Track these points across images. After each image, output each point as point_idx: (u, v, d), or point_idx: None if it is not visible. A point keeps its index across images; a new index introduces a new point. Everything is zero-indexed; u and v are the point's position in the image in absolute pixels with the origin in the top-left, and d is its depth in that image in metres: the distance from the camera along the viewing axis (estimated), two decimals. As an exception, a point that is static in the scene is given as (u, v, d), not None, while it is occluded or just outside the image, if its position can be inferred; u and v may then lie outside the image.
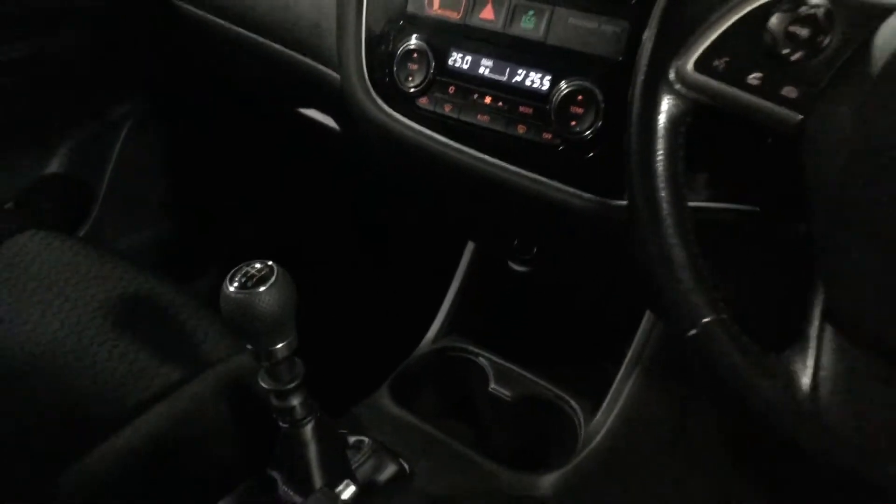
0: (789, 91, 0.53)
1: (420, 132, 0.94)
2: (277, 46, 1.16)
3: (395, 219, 1.31)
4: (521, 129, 0.86)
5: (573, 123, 0.80)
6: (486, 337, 1.15)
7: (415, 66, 0.93)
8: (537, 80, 0.85)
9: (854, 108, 0.50)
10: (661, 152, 0.57)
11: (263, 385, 0.76)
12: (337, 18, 1.01)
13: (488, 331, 1.15)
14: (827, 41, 0.53)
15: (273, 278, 0.68)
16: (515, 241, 1.12)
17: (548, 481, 0.96)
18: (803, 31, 0.53)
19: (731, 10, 0.55)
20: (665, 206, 0.57)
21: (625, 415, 0.98)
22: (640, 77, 0.58)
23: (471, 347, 1.13)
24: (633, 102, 0.59)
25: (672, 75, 0.57)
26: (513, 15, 0.86)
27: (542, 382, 1.06)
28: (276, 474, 0.85)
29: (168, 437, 0.90)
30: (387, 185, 1.19)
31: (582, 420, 1.01)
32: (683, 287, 0.56)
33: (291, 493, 0.84)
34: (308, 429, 0.82)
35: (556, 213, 0.87)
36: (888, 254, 0.49)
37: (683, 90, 0.57)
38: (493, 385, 1.09)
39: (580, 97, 0.77)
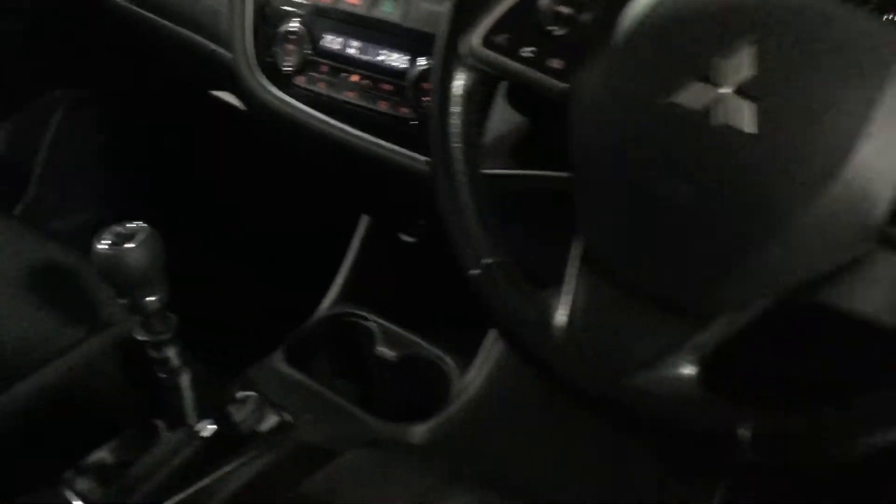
0: (557, 63, 0.62)
1: (298, 109, 1.02)
2: (181, 29, 1.23)
3: (295, 193, 1.38)
4: (382, 105, 0.94)
5: (425, 99, 0.88)
6: (378, 303, 1.22)
7: (292, 47, 1.00)
8: (396, 59, 0.93)
9: (605, 75, 0.59)
10: (455, 115, 0.66)
11: (138, 337, 0.83)
12: (228, 2, 1.08)
13: (380, 298, 1.23)
14: (586, 18, 0.61)
15: (140, 236, 0.76)
16: (403, 215, 1.20)
17: (420, 430, 1.04)
18: (567, 10, 0.62)
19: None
20: (457, 163, 0.66)
21: (494, 370, 1.07)
22: (438, 51, 0.67)
23: (362, 313, 1.21)
24: (433, 73, 0.67)
25: (463, 49, 0.65)
26: (374, 0, 0.94)
27: (424, 343, 1.14)
28: (158, 422, 0.92)
29: (63, 389, 0.98)
30: (286, 159, 1.27)
31: (455, 376, 1.09)
32: (469, 231, 0.64)
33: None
34: (183, 378, 0.89)
35: (420, 182, 0.95)
36: (635, 203, 0.57)
37: (473, 62, 0.65)
38: (378, 347, 1.17)
39: (431, 75, 0.85)
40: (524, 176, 0.68)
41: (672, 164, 0.55)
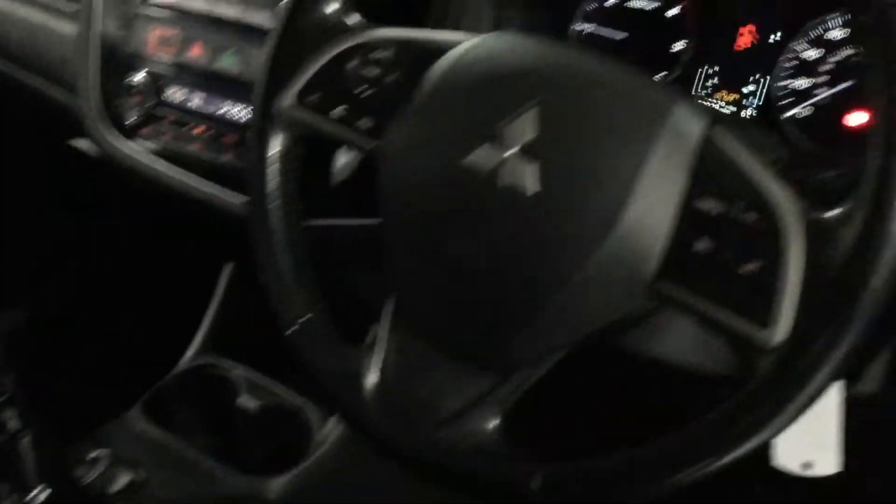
0: (365, 122, 0.63)
1: (144, 160, 1.01)
2: (36, 78, 1.20)
3: (155, 242, 1.36)
4: (227, 157, 0.94)
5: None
6: (243, 353, 1.21)
7: (138, 98, 1.00)
8: (237, 111, 0.93)
9: (407, 135, 0.60)
10: (272, 174, 0.66)
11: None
12: (75, 53, 1.07)
13: (245, 347, 1.22)
14: (393, 79, 0.63)
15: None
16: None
17: (277, 483, 1.03)
18: (373, 72, 0.63)
19: (320, 55, 0.65)
20: (275, 221, 0.66)
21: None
22: (254, 111, 0.67)
23: (226, 363, 1.19)
24: (249, 133, 0.68)
25: (278, 109, 0.66)
26: (215, 53, 0.94)
27: (287, 393, 1.13)
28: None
29: None
30: (142, 208, 1.25)
31: (317, 426, 1.08)
32: (286, 288, 0.65)
33: (12, 506, 0.87)
34: (24, 441, 0.86)
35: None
36: (435, 261, 0.58)
37: (287, 122, 0.66)
38: (240, 398, 1.15)
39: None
40: (343, 226, 0.68)
41: (466, 223, 0.56)
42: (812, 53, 0.81)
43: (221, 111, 0.95)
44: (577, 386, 0.70)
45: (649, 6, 0.91)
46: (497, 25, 0.88)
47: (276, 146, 0.67)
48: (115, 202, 1.33)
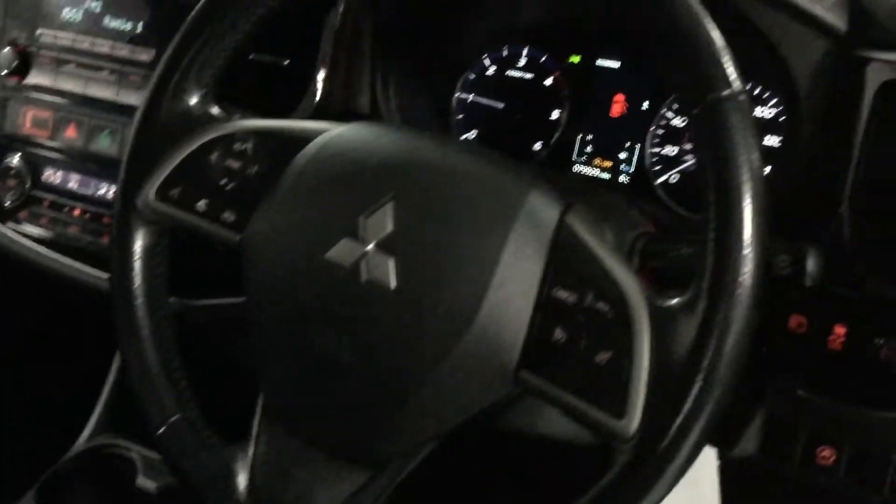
0: (228, 215, 0.62)
1: (23, 245, 0.97)
2: None
3: (46, 324, 1.31)
4: (106, 239, 0.91)
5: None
6: (140, 431, 1.17)
7: (14, 182, 0.96)
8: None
9: (269, 229, 0.59)
10: (136, 271, 0.65)
11: None
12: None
13: (142, 425, 1.17)
14: (255, 171, 0.62)
15: None
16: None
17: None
18: (236, 164, 0.63)
19: (180, 148, 0.64)
20: (141, 321, 0.64)
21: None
22: (115, 206, 0.66)
23: (124, 443, 1.15)
24: (112, 229, 0.66)
25: (140, 203, 0.65)
26: (91, 134, 0.92)
27: (186, 473, 1.10)
28: None
29: None
30: (30, 291, 1.21)
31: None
32: (154, 389, 0.63)
33: None
34: None
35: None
36: (302, 356, 0.57)
37: (150, 216, 0.65)
38: (139, 478, 1.11)
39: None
40: (219, 306, 0.67)
41: (330, 318, 0.56)
42: (678, 121, 0.84)
43: (99, 192, 0.93)
44: (457, 469, 0.70)
45: (526, 76, 0.93)
46: (377, 100, 0.89)
47: (138, 242, 0.65)
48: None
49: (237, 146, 0.63)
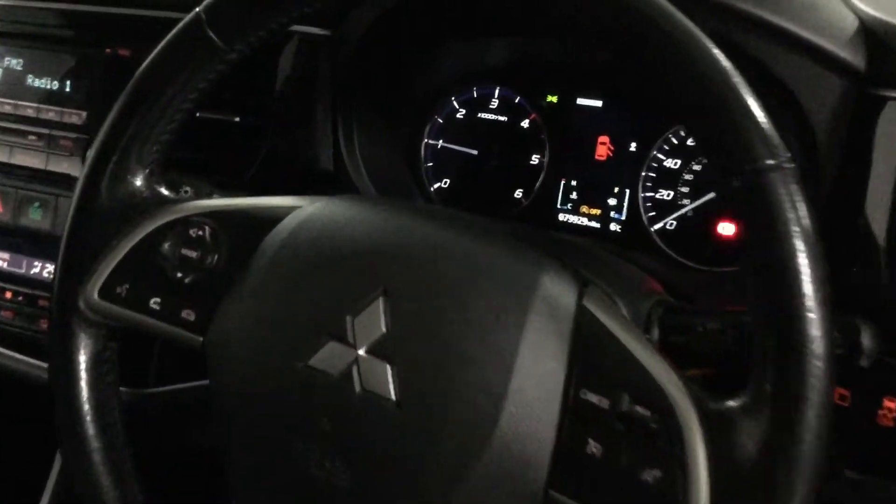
0: (188, 314, 0.53)
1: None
2: None
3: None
4: (43, 324, 0.81)
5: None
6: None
7: (-68, 263, 0.85)
8: (50, 272, 0.81)
9: (238, 330, 0.51)
10: (82, 387, 0.56)
11: None
12: None
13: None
14: (215, 260, 0.54)
15: None
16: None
17: None
18: (193, 254, 0.54)
19: (126, 238, 0.55)
20: (90, 441, 0.55)
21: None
22: (53, 309, 0.56)
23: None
24: (49, 336, 0.57)
25: (82, 304, 0.55)
26: (19, 207, 0.82)
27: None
28: None
29: None
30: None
31: None
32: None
33: None
34: None
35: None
36: (286, 480, 0.49)
37: (94, 319, 0.56)
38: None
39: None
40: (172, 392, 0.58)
41: (321, 437, 0.47)
42: (671, 163, 0.78)
43: (32, 272, 0.82)
44: None
45: (500, 119, 0.85)
46: (341, 153, 0.80)
47: (82, 350, 0.56)
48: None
49: (193, 232, 0.55)
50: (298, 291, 0.50)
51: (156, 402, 0.77)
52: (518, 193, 0.85)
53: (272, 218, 0.54)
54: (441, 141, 0.88)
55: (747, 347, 0.43)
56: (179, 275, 0.54)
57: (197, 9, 0.53)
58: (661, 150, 0.78)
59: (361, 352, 0.47)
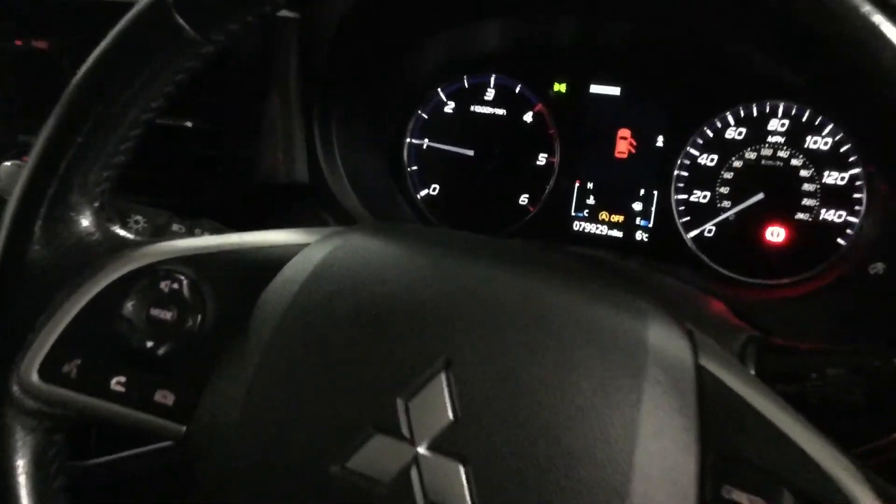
0: (163, 396, 0.40)
1: None
2: None
3: None
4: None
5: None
6: None
7: None
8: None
9: (238, 420, 0.37)
10: (23, 492, 0.41)
11: None
12: None
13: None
14: (197, 323, 0.40)
15: None
16: None
17: None
18: (167, 315, 0.40)
19: (72, 297, 0.41)
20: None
21: None
22: None
23: None
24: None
25: (16, 390, 0.41)
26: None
27: None
28: None
29: None
30: None
31: None
32: None
33: None
34: None
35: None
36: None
37: (34, 406, 0.41)
38: None
39: None
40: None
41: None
42: (708, 160, 0.67)
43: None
44: None
45: (498, 112, 0.73)
46: (318, 161, 0.67)
47: (18, 452, 0.42)
48: None
49: (165, 285, 0.41)
50: (325, 366, 0.37)
51: (100, 476, 0.63)
52: (524, 200, 0.73)
53: (271, 261, 0.41)
54: (427, 140, 0.75)
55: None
56: (150, 344, 0.40)
57: (158, -14, 0.39)
58: (694, 145, 0.67)
59: (422, 449, 0.34)
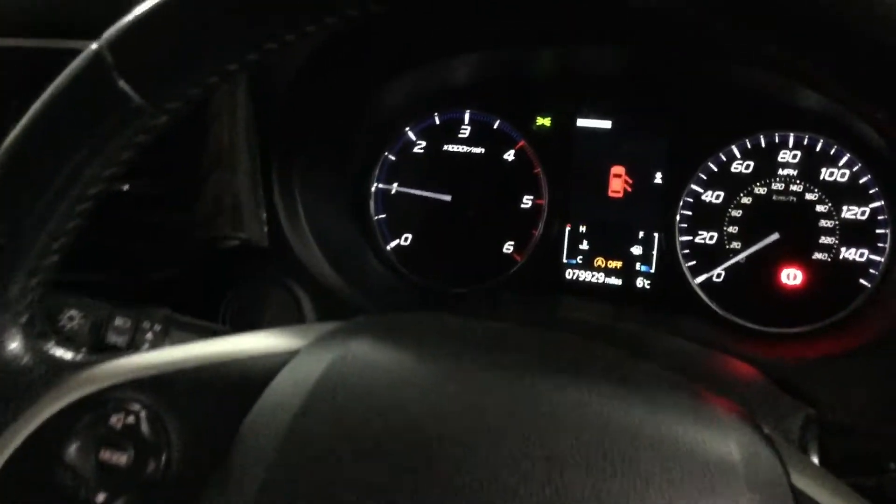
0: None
1: None
2: None
3: None
4: None
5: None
6: None
7: None
8: None
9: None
10: None
11: None
12: None
13: None
14: (161, 467, 0.31)
15: None
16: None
17: None
18: (121, 458, 0.31)
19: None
20: None
21: None
22: None
23: None
24: None
25: None
26: None
27: None
28: None
29: None
30: None
31: None
32: None
33: None
34: None
35: None
36: None
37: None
38: None
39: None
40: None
41: None
42: (712, 197, 0.61)
43: None
44: None
45: (475, 151, 0.66)
46: (278, 219, 0.59)
47: None
48: None
49: (117, 418, 0.33)
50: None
51: None
52: (508, 248, 0.65)
53: (252, 378, 0.33)
54: (396, 185, 0.67)
55: None
56: (101, 498, 0.32)
57: (94, 44, 0.30)
58: (698, 182, 0.61)
59: None
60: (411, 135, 0.67)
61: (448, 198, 0.66)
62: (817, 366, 0.51)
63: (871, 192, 0.58)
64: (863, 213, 0.58)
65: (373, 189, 0.67)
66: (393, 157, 0.67)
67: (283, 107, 0.57)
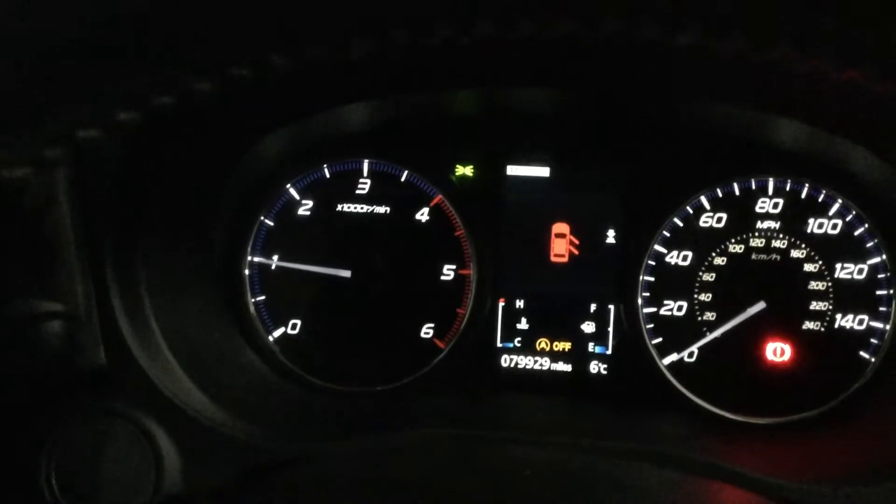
0: None
1: None
2: None
3: None
4: None
5: None
6: None
7: None
8: None
9: None
10: None
11: None
12: None
13: None
14: None
15: None
16: None
17: None
18: None
19: None
20: None
21: None
22: None
23: None
24: None
25: None
26: None
27: None
28: None
29: None
30: None
31: None
32: None
33: None
34: None
35: None
36: None
37: None
38: None
39: None
40: None
41: None
42: (678, 258, 0.50)
43: None
44: None
45: (378, 211, 0.52)
46: (117, 324, 0.42)
47: None
48: None
49: None
50: None
51: None
52: (427, 331, 0.52)
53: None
54: (276, 257, 0.52)
55: None
56: None
57: None
58: (661, 240, 0.49)
59: None
60: (293, 192, 0.52)
61: (346, 273, 0.51)
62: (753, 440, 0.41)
63: (868, 245, 0.48)
64: (860, 272, 0.48)
65: (246, 264, 0.52)
66: (270, 223, 0.52)
67: (117, 184, 0.41)
